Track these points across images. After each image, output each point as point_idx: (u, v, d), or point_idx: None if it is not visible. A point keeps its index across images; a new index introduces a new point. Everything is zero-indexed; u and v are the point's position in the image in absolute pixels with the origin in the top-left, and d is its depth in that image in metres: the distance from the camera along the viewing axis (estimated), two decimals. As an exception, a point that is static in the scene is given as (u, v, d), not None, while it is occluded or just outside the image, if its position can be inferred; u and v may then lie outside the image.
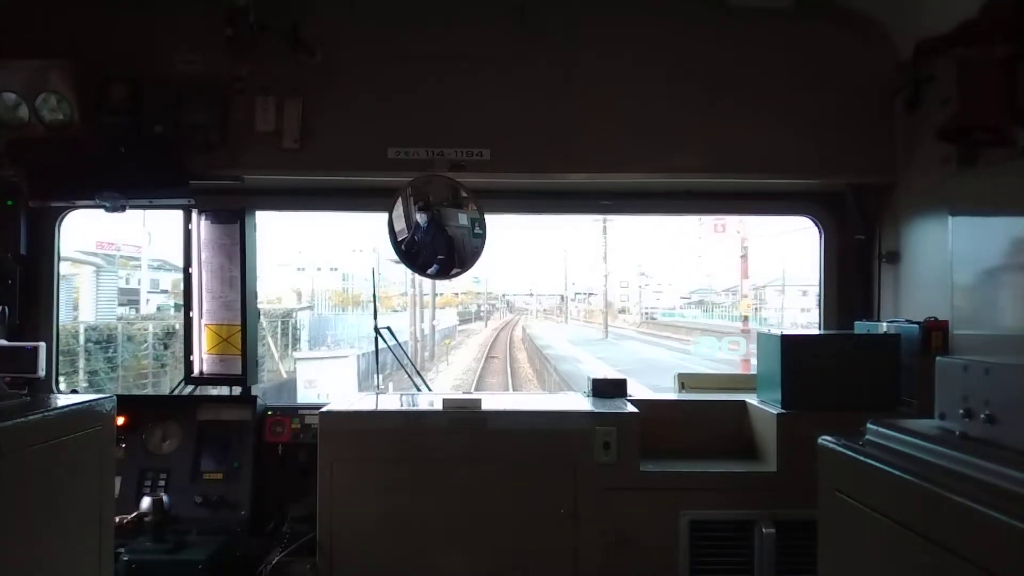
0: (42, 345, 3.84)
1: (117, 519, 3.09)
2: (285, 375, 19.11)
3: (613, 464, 3.34)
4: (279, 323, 23.03)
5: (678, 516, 3.33)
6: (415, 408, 3.80)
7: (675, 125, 3.77)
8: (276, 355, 21.01)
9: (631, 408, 3.54)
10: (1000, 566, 1.36)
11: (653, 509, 3.34)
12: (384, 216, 3.88)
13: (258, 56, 3.48)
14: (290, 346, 22.83)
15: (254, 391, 4.19)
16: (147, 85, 3.64)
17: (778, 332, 3.53)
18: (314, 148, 3.72)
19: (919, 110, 3.44)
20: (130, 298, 27.51)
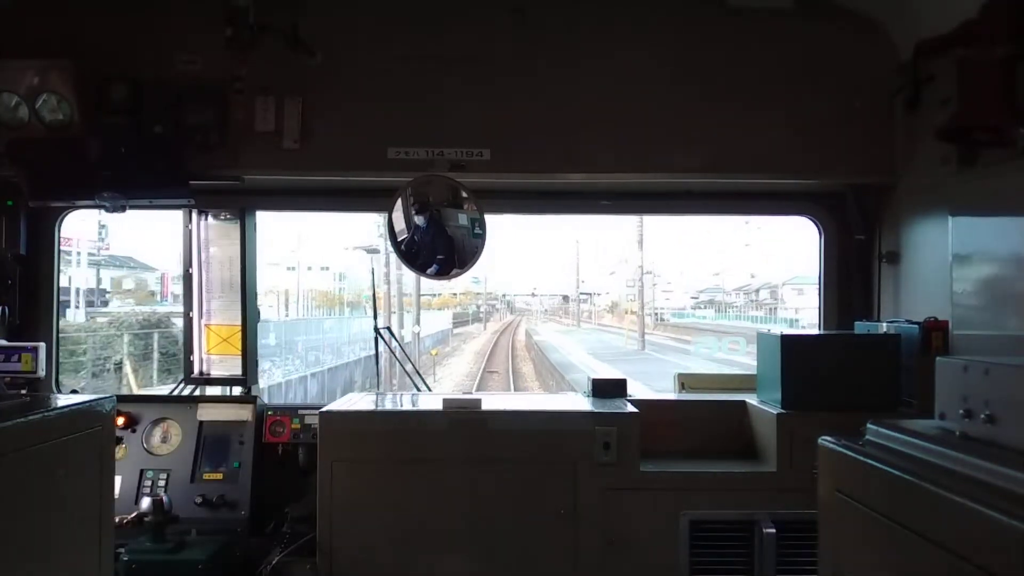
0: (42, 345, 3.83)
1: (117, 519, 3.09)
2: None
3: (613, 464, 3.34)
4: (151, 336, 18.10)
5: (678, 516, 3.32)
6: (415, 408, 3.80)
7: (675, 125, 3.77)
8: (134, 386, 16.50)
9: (631, 408, 3.54)
10: (1000, 566, 1.36)
11: (653, 509, 3.34)
12: (379, 215, 3.87)
13: (258, 56, 3.48)
14: (155, 374, 17.83)
15: (254, 391, 4.20)
16: (147, 85, 3.64)
17: (778, 332, 3.53)
18: (314, 148, 3.72)
19: (919, 110, 3.44)
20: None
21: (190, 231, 4.18)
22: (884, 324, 3.59)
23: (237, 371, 4.20)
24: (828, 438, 2.05)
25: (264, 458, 3.89)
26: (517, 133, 3.76)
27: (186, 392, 4.23)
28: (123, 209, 3.70)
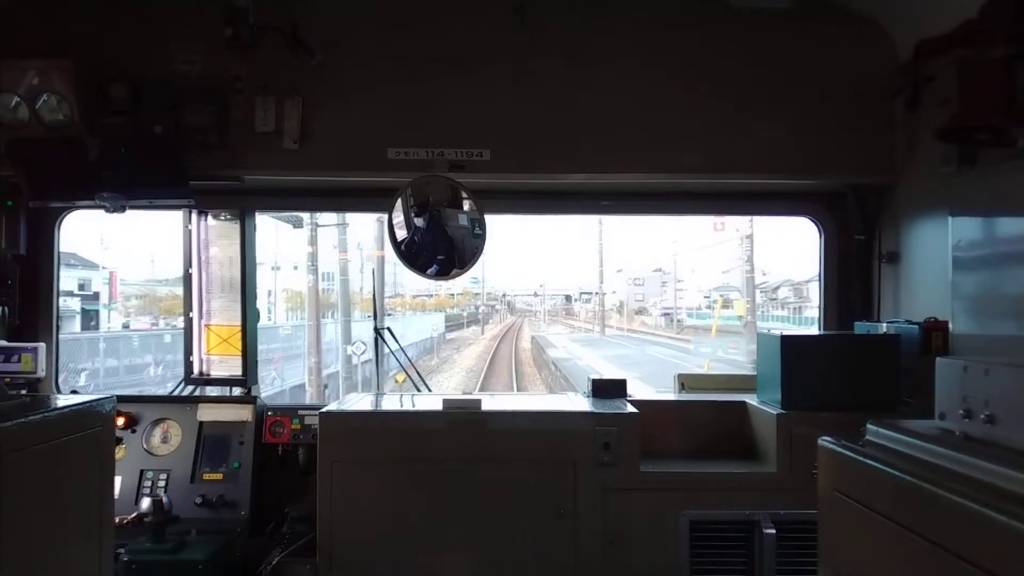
0: (42, 345, 3.84)
1: (117, 519, 3.09)
2: None
3: (613, 464, 3.34)
4: None
5: (678, 516, 3.32)
6: (415, 409, 3.80)
7: (675, 125, 3.77)
8: None
9: (631, 408, 3.54)
10: (1000, 566, 1.36)
11: (653, 509, 3.34)
12: (377, 215, 3.88)
13: (258, 56, 3.47)
14: None
15: (254, 391, 4.20)
16: (147, 85, 3.64)
17: (778, 332, 3.53)
18: (314, 148, 3.72)
19: (919, 110, 3.44)
20: None
21: (190, 231, 4.18)
22: (884, 324, 3.59)
23: (237, 371, 4.20)
24: (828, 438, 2.06)
25: (264, 458, 3.89)
26: (517, 133, 3.76)
27: (186, 392, 4.23)
28: (123, 209, 3.70)
